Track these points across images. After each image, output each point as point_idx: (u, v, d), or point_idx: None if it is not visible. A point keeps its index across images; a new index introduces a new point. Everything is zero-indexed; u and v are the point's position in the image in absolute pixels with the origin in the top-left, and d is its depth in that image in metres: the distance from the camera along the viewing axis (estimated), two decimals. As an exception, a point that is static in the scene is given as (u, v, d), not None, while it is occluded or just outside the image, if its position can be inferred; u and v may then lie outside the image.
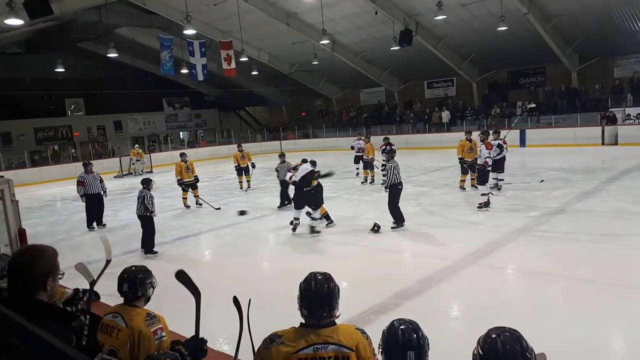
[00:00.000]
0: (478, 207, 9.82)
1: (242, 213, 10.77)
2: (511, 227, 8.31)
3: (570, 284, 5.83)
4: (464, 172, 12.17)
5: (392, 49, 21.79)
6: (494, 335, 1.77)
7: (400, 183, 8.84)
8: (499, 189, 11.47)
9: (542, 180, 12.45)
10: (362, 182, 14.40)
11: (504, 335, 1.76)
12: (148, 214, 8.19)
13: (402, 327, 2.02)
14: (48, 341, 1.18)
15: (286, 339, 2.21)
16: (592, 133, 20.28)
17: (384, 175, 13.51)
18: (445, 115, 26.16)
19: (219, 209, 11.80)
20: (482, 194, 9.90)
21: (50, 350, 1.17)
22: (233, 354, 2.82)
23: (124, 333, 2.75)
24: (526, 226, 8.45)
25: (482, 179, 10.02)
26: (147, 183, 8.47)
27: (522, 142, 22.04)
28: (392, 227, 8.64)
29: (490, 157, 10.14)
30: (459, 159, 12.19)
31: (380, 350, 2.04)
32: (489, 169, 10.18)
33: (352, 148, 15.93)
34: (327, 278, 2.31)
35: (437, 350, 2.17)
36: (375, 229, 8.64)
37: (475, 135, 11.78)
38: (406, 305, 5.39)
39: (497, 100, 25.85)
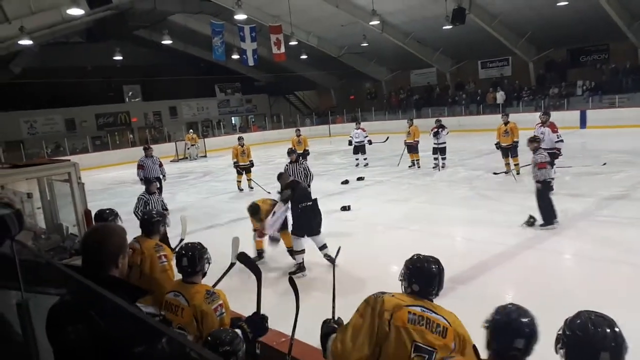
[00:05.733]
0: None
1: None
2: (571, 212, 7.99)
3: (633, 271, 5.59)
4: (504, 155, 11.88)
5: (444, 28, 21.16)
6: (584, 317, 1.70)
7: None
8: None
9: (605, 164, 11.86)
10: (409, 166, 14.22)
11: (597, 319, 1.69)
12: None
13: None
14: (128, 311, 1.26)
15: (395, 295, 2.40)
16: (661, 113, 19.07)
17: (435, 158, 13.45)
18: (500, 96, 25.27)
19: (269, 193, 11.99)
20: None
21: (129, 318, 1.24)
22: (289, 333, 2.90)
23: (188, 312, 2.89)
24: (587, 210, 8.13)
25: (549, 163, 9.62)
26: (148, 184, 7.42)
27: (583, 124, 21.03)
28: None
29: (561, 140, 9.73)
30: (495, 143, 11.98)
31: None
32: (558, 151, 9.69)
33: (350, 143, 15.63)
34: (436, 259, 2.49)
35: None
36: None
37: (534, 117, 11.35)
38: (460, 290, 5.33)
39: (555, 80, 24.70)
